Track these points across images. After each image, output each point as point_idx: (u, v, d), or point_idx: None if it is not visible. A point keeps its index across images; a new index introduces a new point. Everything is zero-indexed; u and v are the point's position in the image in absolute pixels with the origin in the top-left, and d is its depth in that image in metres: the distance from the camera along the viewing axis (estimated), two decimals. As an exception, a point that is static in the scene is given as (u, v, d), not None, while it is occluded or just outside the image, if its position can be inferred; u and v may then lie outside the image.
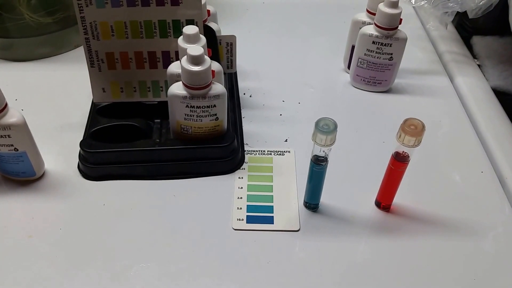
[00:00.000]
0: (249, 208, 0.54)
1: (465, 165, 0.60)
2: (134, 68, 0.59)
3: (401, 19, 0.64)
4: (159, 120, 0.62)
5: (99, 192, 0.55)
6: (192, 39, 0.53)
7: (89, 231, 0.51)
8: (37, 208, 0.53)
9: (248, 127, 0.64)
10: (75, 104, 0.66)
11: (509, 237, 0.52)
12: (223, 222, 0.52)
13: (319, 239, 0.51)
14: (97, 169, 0.56)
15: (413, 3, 0.74)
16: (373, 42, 0.66)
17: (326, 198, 0.54)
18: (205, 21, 0.60)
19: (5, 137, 0.51)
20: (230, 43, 0.62)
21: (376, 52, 0.67)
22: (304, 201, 0.54)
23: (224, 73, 0.61)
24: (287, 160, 0.60)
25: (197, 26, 0.54)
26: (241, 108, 0.67)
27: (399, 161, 0.49)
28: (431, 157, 0.61)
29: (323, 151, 0.47)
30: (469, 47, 0.83)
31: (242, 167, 0.58)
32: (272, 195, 0.55)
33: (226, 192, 0.56)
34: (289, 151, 0.61)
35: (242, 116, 0.66)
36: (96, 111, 0.60)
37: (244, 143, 0.62)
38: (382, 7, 0.63)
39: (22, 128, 0.51)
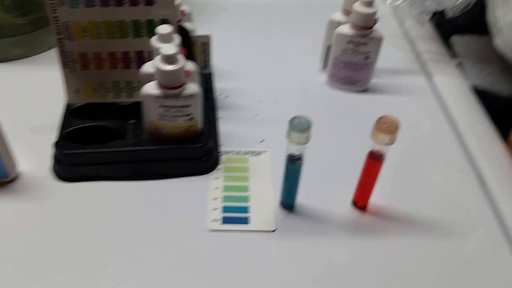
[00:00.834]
0: (225, 209, 0.53)
1: (444, 164, 0.60)
2: (108, 68, 0.58)
3: (376, 19, 0.64)
4: (133, 121, 0.61)
5: (73, 193, 0.54)
6: (165, 39, 0.52)
7: (62, 233, 0.50)
8: (10, 210, 0.52)
9: (224, 127, 0.64)
10: (49, 105, 0.65)
11: (488, 237, 0.52)
12: (198, 223, 0.52)
13: (295, 239, 0.51)
14: (71, 170, 0.55)
15: (388, 3, 0.74)
16: (349, 42, 0.66)
17: (302, 198, 0.53)
18: (179, 21, 0.59)
19: (-24, 139, 0.50)
20: (206, 42, 0.62)
21: (352, 52, 0.67)
22: (280, 201, 0.54)
23: (200, 74, 0.61)
24: (263, 161, 0.59)
25: (171, 26, 0.53)
26: (217, 109, 0.67)
27: (374, 159, 0.49)
28: (409, 157, 0.61)
29: (298, 150, 0.47)
30: (449, 46, 0.84)
31: (218, 167, 0.58)
32: (248, 196, 0.55)
33: (202, 193, 0.55)
34: (265, 152, 0.60)
35: (219, 117, 0.65)
36: (70, 112, 0.59)
37: (220, 143, 0.61)
38: (357, 6, 0.63)
39: (-6, 129, 0.50)
